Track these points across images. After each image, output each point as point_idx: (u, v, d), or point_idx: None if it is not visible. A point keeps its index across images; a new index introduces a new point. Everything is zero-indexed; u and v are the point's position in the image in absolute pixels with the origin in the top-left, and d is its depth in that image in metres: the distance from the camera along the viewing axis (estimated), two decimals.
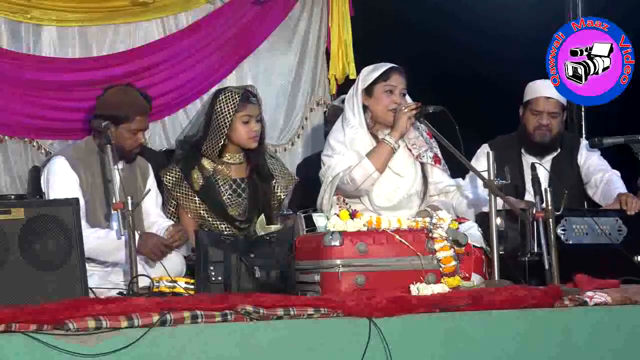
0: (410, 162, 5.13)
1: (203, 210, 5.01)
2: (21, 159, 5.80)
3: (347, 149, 5.03)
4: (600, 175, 5.51)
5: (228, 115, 5.00)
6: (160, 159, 5.51)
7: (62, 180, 4.62)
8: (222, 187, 5.06)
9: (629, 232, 5.00)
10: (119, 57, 6.08)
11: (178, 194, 5.03)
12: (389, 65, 5.11)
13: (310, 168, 5.96)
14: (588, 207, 5.52)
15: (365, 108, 5.10)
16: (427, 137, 5.23)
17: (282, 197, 5.19)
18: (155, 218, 4.86)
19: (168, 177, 5.05)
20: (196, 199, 5.02)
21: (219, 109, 5.02)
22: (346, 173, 4.98)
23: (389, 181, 5.07)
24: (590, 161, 5.58)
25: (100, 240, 4.51)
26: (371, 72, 5.11)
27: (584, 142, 5.73)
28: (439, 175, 5.18)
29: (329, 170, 5.03)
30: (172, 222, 4.89)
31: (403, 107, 4.97)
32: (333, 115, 6.03)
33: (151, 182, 4.91)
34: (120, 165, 4.72)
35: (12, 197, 4.01)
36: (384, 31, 6.84)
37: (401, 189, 5.09)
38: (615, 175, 5.51)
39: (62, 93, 5.79)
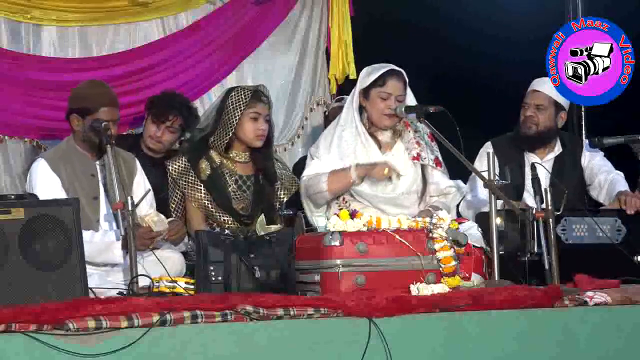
0: (409, 163, 5.12)
1: (208, 201, 5.04)
2: (21, 159, 5.81)
3: (327, 153, 5.01)
4: (604, 176, 5.50)
5: (238, 110, 5.05)
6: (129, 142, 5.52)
7: (43, 183, 4.62)
8: (228, 180, 5.09)
9: (628, 232, 5.00)
10: (119, 57, 6.09)
11: (184, 183, 5.05)
12: (386, 68, 5.03)
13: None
14: (588, 207, 5.52)
15: (363, 108, 5.08)
16: (427, 139, 5.20)
17: (285, 199, 5.21)
18: (146, 212, 4.84)
19: (174, 166, 5.08)
20: (202, 188, 5.04)
21: (229, 104, 5.07)
22: (306, 179, 5.01)
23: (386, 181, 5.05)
24: (594, 162, 5.58)
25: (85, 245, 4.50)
26: (369, 75, 5.05)
27: (587, 143, 5.73)
28: (440, 177, 5.17)
29: (302, 178, 5.08)
30: (157, 213, 4.88)
31: (386, 170, 4.88)
32: (334, 116, 6.03)
33: (140, 180, 4.89)
34: (100, 161, 4.72)
35: (12, 197, 3.99)
36: (384, 31, 6.84)
37: (398, 188, 5.06)
38: (619, 176, 5.50)
39: (62, 93, 5.77)
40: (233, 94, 5.11)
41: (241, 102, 5.07)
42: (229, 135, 5.06)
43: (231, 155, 5.11)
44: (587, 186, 5.60)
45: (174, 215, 5.05)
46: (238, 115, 5.05)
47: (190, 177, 5.05)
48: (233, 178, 5.10)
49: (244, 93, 5.10)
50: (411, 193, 5.07)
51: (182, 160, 5.09)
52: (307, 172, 5.06)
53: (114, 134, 4.67)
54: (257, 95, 5.11)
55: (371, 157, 4.99)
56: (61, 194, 4.58)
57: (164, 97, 5.58)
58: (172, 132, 5.50)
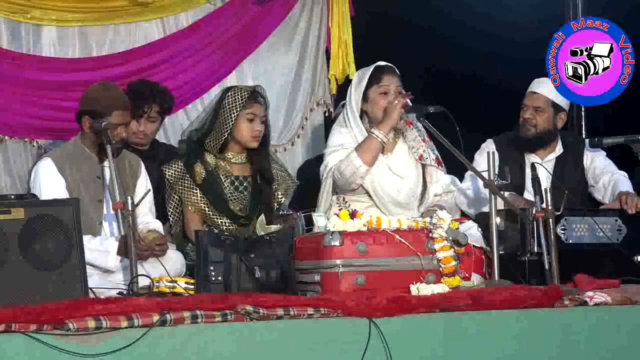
0: (411, 164, 5.12)
1: (204, 204, 5.04)
2: (21, 159, 5.80)
3: (342, 147, 5.01)
4: (607, 177, 5.51)
5: (234, 110, 5.06)
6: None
7: (47, 183, 4.63)
8: (224, 182, 5.09)
9: (628, 232, 5.01)
10: (119, 57, 6.09)
11: (180, 188, 5.06)
12: (375, 65, 5.06)
13: (312, 170, 5.97)
14: (588, 207, 5.52)
15: (362, 113, 5.07)
16: (427, 138, 5.21)
17: (282, 200, 5.21)
18: (144, 218, 4.84)
19: (170, 171, 5.08)
20: (198, 192, 5.05)
21: (226, 104, 5.08)
22: (336, 167, 4.96)
23: (390, 183, 5.05)
24: (597, 162, 5.58)
25: None
26: (362, 79, 5.06)
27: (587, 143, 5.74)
28: (443, 176, 5.17)
29: (325, 168, 5.03)
30: (158, 223, 4.87)
31: (394, 101, 4.93)
32: None
33: (143, 182, 4.89)
34: (107, 163, 4.72)
35: (12, 197, 4.00)
36: (384, 31, 6.84)
37: (403, 190, 5.06)
38: (623, 176, 5.50)
39: (62, 93, 5.79)
40: (229, 94, 5.12)
41: (237, 103, 5.07)
42: (224, 135, 5.07)
43: (227, 156, 5.12)
44: (590, 187, 5.60)
45: (171, 219, 5.06)
46: (234, 116, 5.05)
47: (186, 182, 5.06)
48: (229, 179, 5.10)
49: (241, 93, 5.10)
50: (412, 197, 5.07)
51: (178, 164, 5.10)
52: (332, 162, 5.01)
53: (124, 137, 4.68)
54: (254, 95, 5.12)
55: None
56: (64, 196, 4.57)
57: (133, 90, 5.53)
58: (153, 122, 5.46)
